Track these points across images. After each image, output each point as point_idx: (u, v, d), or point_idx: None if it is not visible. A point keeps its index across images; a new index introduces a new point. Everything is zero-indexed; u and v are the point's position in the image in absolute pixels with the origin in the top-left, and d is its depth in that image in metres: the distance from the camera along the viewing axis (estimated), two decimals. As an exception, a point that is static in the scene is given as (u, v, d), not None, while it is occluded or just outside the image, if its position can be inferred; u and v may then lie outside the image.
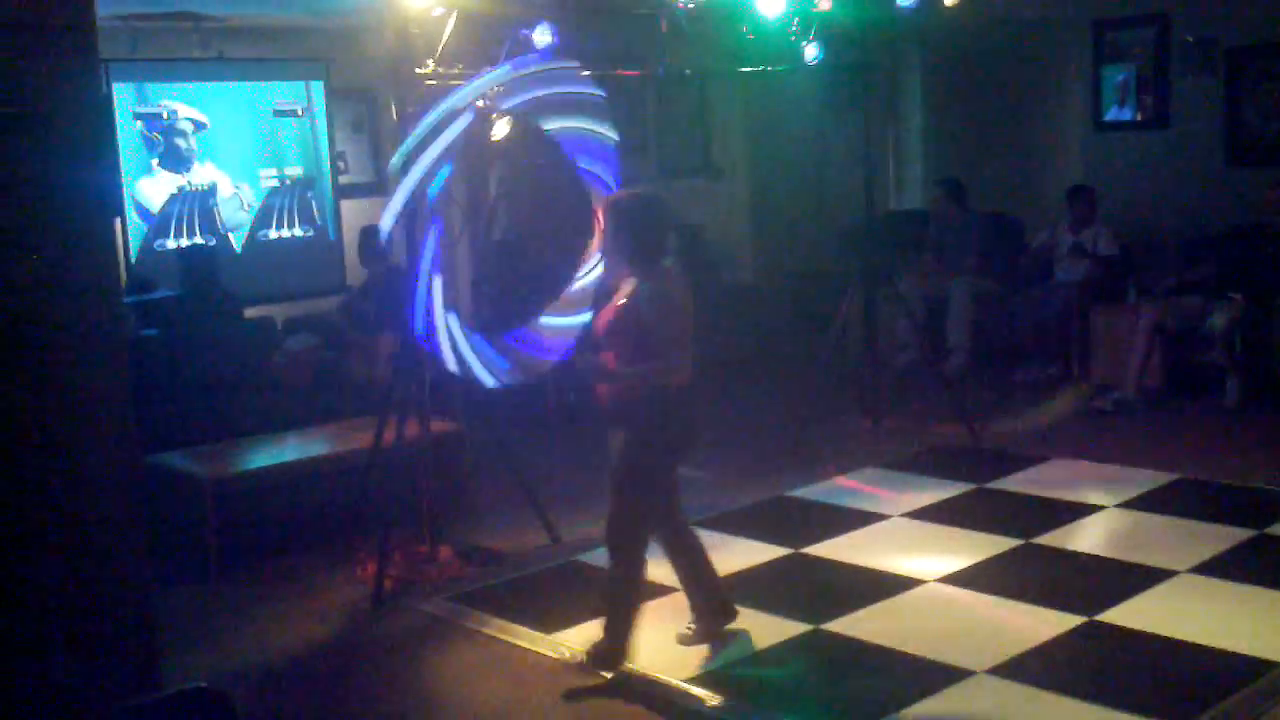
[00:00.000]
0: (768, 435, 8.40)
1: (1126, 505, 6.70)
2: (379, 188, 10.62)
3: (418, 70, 6.10)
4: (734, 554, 6.20)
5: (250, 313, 8.69)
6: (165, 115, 9.49)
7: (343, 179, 10.63)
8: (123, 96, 9.16)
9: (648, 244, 4.85)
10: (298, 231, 10.37)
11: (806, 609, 5.50)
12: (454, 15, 6.18)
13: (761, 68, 8.01)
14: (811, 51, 7.59)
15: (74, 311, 3.38)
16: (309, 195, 10.43)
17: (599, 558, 6.22)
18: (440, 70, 6.18)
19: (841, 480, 7.43)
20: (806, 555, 6.24)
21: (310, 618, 5.78)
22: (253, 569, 6.34)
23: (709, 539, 6.40)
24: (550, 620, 5.54)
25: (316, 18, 9.29)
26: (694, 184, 11.80)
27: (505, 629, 5.50)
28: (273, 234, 10.22)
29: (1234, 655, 4.85)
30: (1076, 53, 11.06)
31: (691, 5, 6.95)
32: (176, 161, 9.62)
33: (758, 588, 5.81)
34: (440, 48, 6.19)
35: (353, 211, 10.40)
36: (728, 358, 9.52)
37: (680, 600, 5.37)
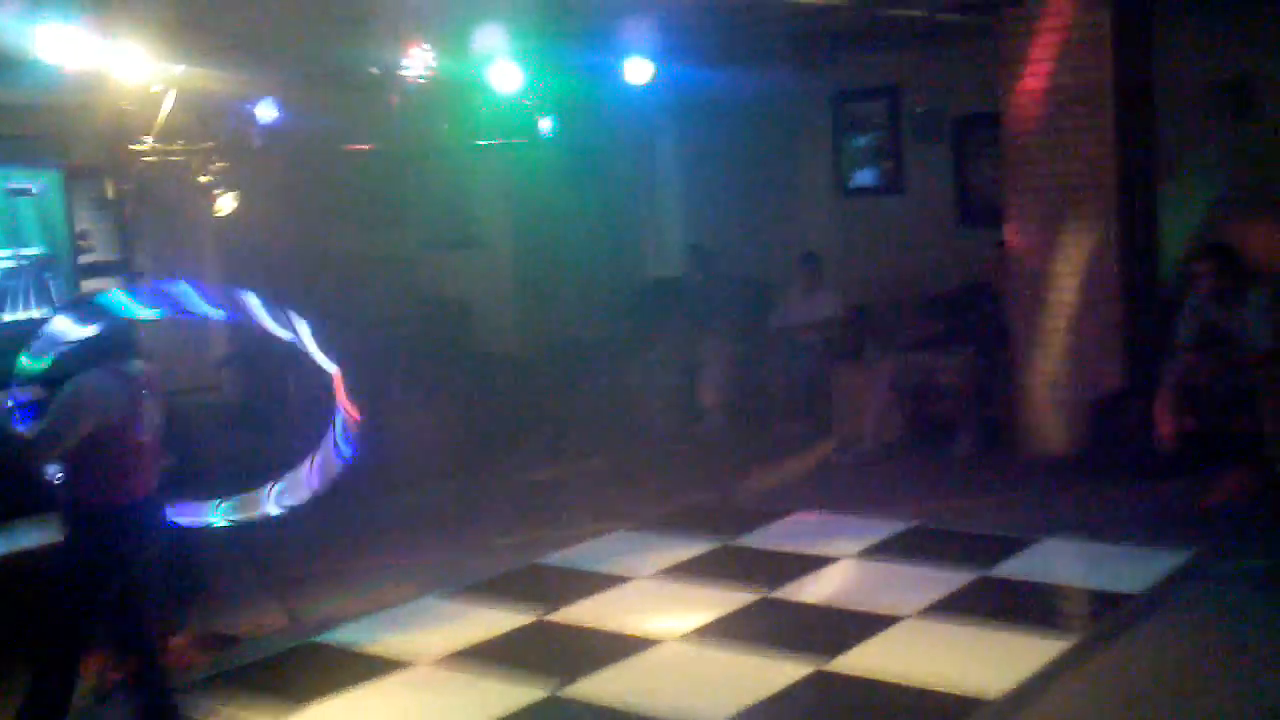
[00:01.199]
0: (525, 503, 8.42)
1: (862, 555, 6.94)
2: (125, 266, 10.31)
3: (132, 147, 5.99)
4: (477, 624, 6.19)
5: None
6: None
7: (85, 258, 10.28)
8: None
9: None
10: (34, 313, 9.96)
11: (545, 675, 5.50)
12: (171, 93, 6.11)
13: (496, 141, 8.13)
14: (547, 125, 7.74)
15: None
16: (45, 276, 10.05)
17: (339, 636, 6.15)
18: (159, 146, 6.09)
19: (592, 544, 7.49)
20: (551, 621, 6.25)
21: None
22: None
23: (455, 610, 6.43)
24: (288, 700, 5.41)
25: (42, 95, 9.00)
26: (455, 255, 11.80)
27: (238, 715, 5.34)
28: (6, 316, 9.80)
29: (948, 695, 5.05)
30: (821, 122, 11.52)
31: (422, 79, 7.01)
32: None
33: (497, 656, 5.80)
34: (158, 125, 6.10)
35: (99, 290, 10.05)
36: (492, 428, 9.54)
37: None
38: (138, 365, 4.71)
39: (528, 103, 7.65)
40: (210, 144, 6.00)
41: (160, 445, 4.77)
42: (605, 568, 7.01)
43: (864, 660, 5.48)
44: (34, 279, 10.01)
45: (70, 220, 10.11)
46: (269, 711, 5.35)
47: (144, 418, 4.59)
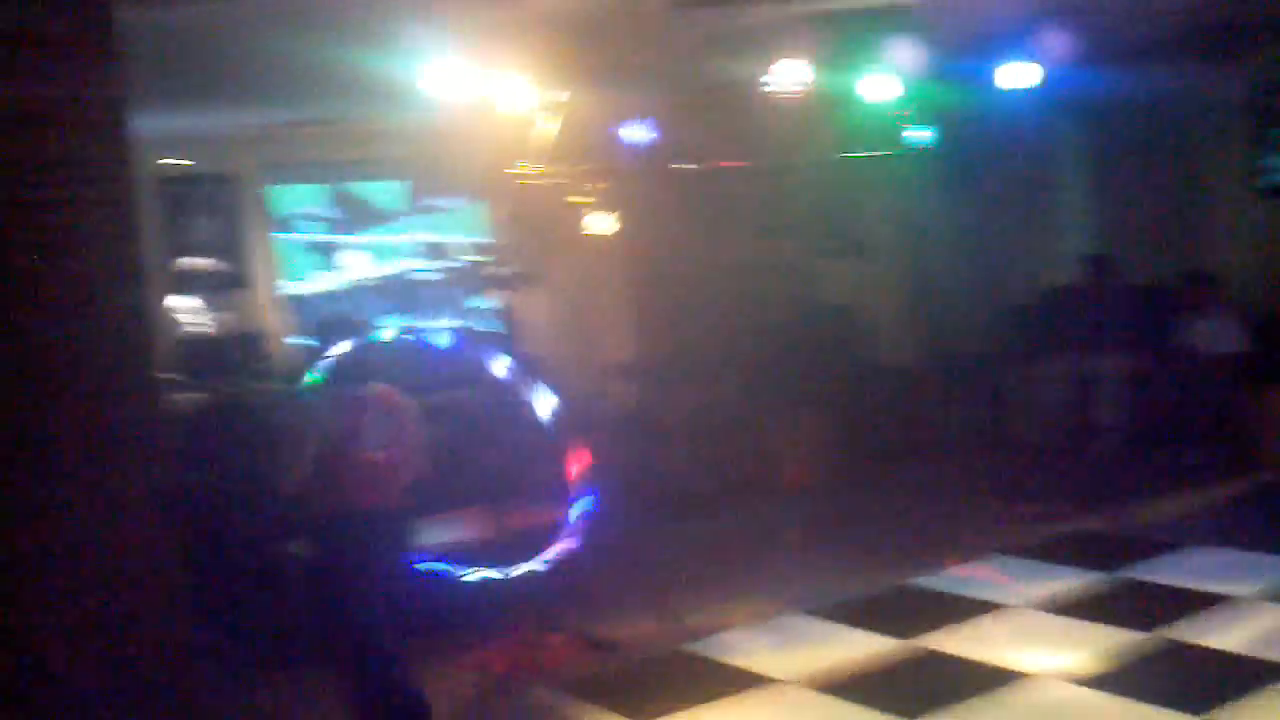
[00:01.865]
0: (901, 520, 8.26)
1: (1269, 597, 6.35)
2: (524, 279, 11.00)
3: (512, 170, 6.30)
4: (841, 645, 6.12)
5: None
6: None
7: (488, 272, 11.00)
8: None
9: None
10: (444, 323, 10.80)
11: (909, 704, 5.36)
12: (553, 117, 6.38)
13: (875, 153, 8.00)
14: (927, 134, 7.55)
15: (104, 342, 3.62)
16: (456, 288, 10.86)
17: (709, 647, 6.23)
18: (538, 170, 6.38)
19: (967, 568, 7.24)
20: (917, 647, 6.09)
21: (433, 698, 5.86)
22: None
23: (821, 630, 6.38)
24: (653, 708, 5.54)
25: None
26: (841, 264, 11.74)
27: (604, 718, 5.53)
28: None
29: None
30: (1234, 118, 10.66)
31: (795, 93, 7.00)
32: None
33: (861, 680, 5.71)
34: (539, 148, 6.38)
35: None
36: (877, 441, 9.42)
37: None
38: (373, 388, 5.07)
39: (906, 112, 7.48)
40: (588, 166, 6.22)
41: (406, 461, 5.09)
42: (978, 594, 6.76)
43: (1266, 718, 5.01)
44: (446, 291, 10.86)
45: (479, 237, 10.91)
46: (634, 717, 5.49)
47: (370, 436, 4.93)
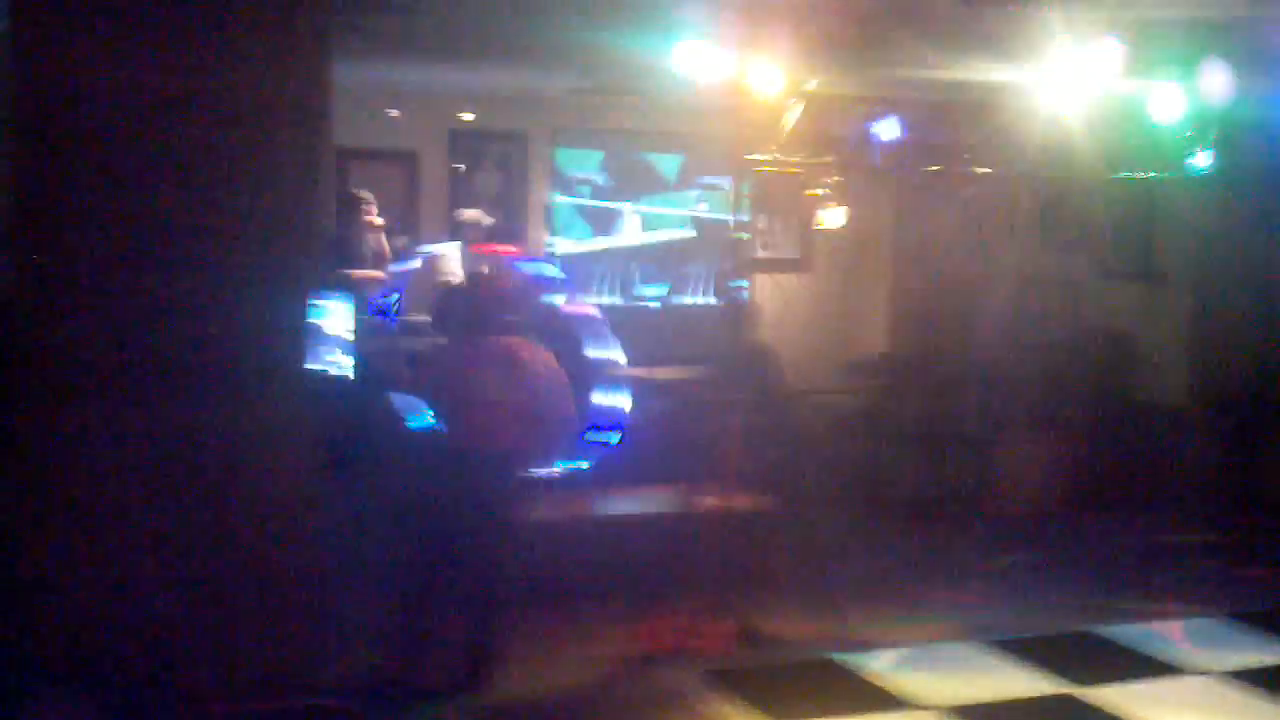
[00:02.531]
0: (1113, 565, 7.81)
1: None
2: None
3: (749, 156, 6.30)
4: (1001, 681, 5.91)
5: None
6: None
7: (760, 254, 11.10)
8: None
9: None
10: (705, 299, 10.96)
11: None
12: (798, 105, 6.34)
13: (1158, 173, 7.51)
14: (1204, 160, 7.06)
15: (258, 346, 3.88)
16: (718, 267, 10.96)
17: (865, 660, 6.12)
18: (779, 158, 6.35)
19: (1167, 625, 6.79)
20: (1077, 698, 5.78)
21: (579, 662, 6.09)
22: (547, 606, 6.70)
23: (986, 663, 6.15)
24: (781, 711, 5.50)
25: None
26: (1128, 287, 11.10)
27: (742, 714, 5.53)
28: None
29: None
30: None
31: (1072, 103, 6.68)
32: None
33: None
34: (782, 135, 6.35)
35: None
36: (1116, 480, 8.93)
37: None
38: (504, 340, 5.79)
39: (1199, 132, 7.01)
40: (829, 158, 6.16)
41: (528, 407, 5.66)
42: (1170, 654, 6.33)
43: None
44: (710, 270, 10.99)
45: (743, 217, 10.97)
46: (765, 716, 5.48)
47: (496, 384, 5.59)
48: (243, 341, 3.90)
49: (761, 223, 11.36)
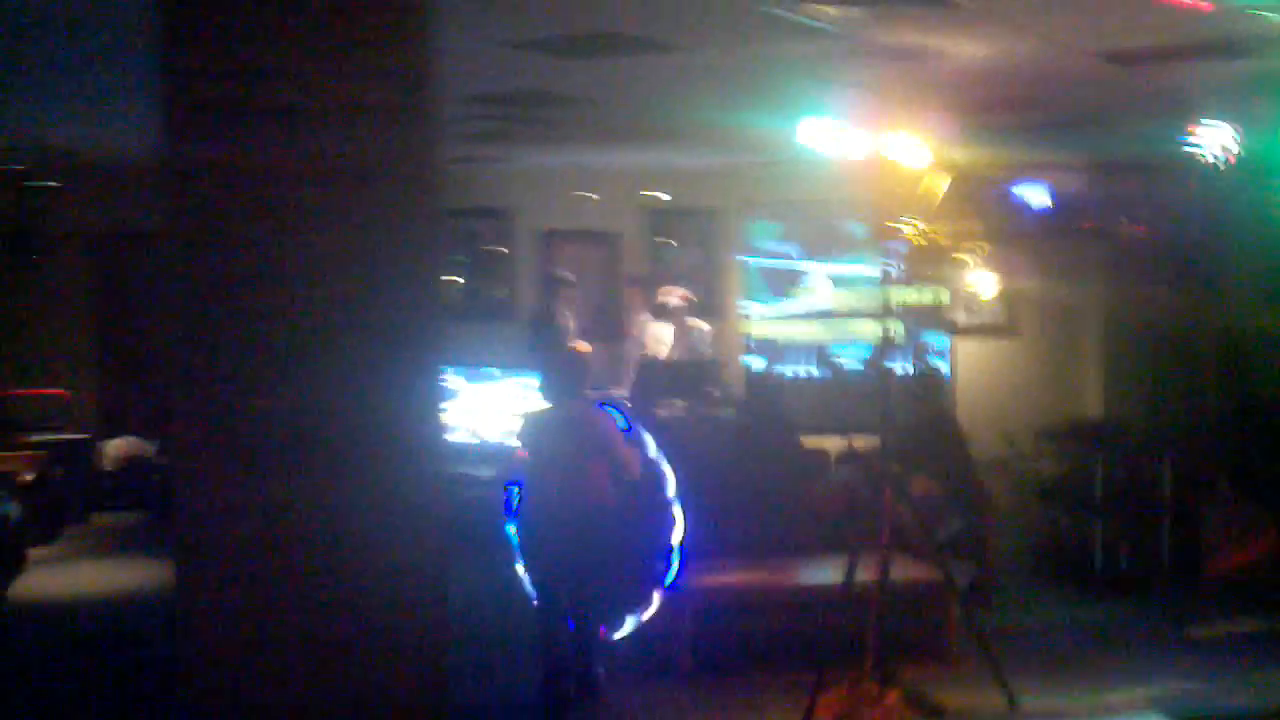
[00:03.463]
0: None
1: None
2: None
3: (890, 223, 6.35)
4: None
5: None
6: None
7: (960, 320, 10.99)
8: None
9: None
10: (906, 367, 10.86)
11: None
12: (942, 173, 6.37)
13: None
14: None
15: (386, 345, 4.12)
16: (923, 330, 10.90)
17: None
18: (924, 229, 6.39)
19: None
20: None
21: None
22: (710, 671, 6.79)
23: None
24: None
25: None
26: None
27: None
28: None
29: None
30: None
31: (1229, 158, 6.48)
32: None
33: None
34: (925, 203, 6.39)
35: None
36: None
37: None
38: (580, 405, 6.26)
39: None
40: (975, 224, 6.14)
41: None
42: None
43: None
44: (905, 328, 10.94)
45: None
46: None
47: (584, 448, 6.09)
48: (376, 417, 4.15)
49: (962, 288, 11.27)
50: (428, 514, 4.29)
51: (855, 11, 5.84)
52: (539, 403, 6.68)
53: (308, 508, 4.17)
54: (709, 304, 11.47)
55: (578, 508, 6.25)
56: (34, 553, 8.59)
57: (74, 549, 9.25)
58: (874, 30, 6.20)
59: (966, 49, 6.46)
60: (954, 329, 10.68)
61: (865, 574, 6.59)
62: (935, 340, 10.77)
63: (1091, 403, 10.96)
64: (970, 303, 11.15)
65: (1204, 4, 5.61)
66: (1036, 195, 6.35)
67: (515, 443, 6.79)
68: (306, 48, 4.04)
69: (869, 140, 6.31)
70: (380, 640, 4.20)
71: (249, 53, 4.00)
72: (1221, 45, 6.16)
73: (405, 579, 4.24)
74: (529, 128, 8.92)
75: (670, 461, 7.28)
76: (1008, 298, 10.99)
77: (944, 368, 10.74)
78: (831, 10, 5.90)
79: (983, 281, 7.50)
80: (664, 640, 6.95)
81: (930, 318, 10.67)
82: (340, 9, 4.05)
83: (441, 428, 4.50)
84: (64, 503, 9.05)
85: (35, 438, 9.29)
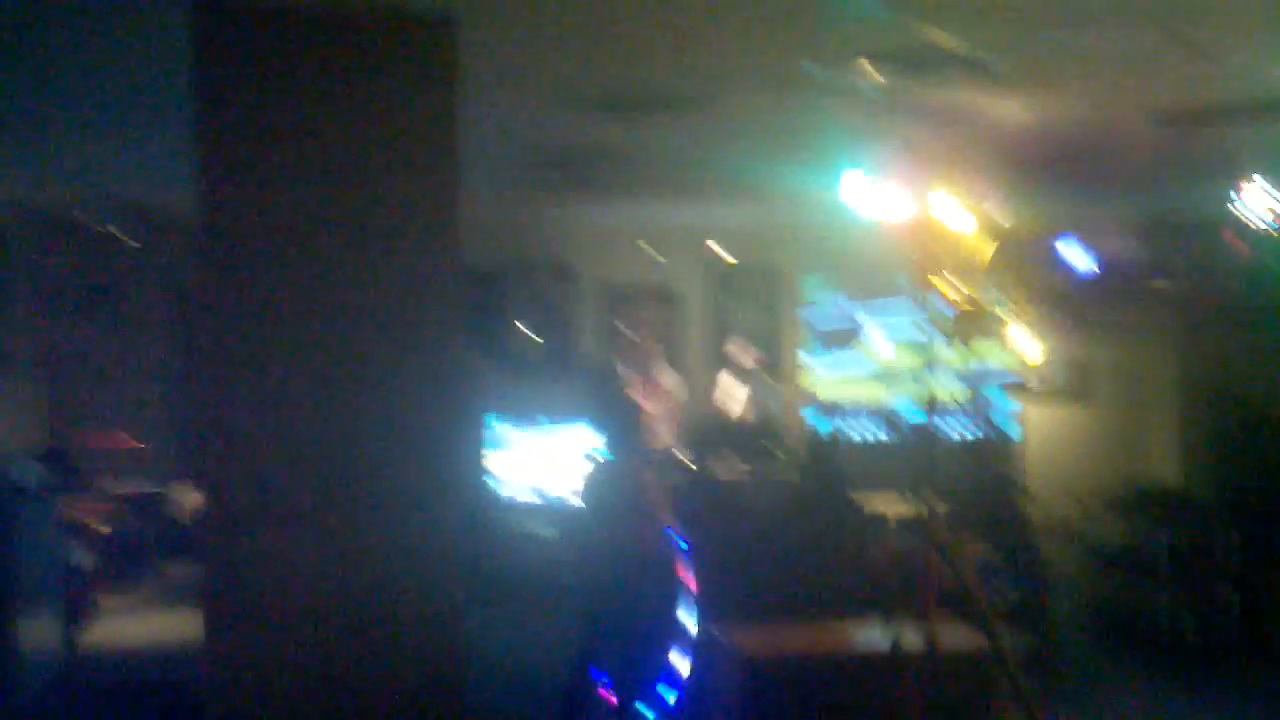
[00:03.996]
0: None
1: None
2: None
3: (934, 279, 6.33)
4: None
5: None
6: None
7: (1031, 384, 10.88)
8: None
9: None
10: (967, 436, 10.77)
11: None
12: (989, 233, 6.35)
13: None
14: None
15: (410, 399, 4.23)
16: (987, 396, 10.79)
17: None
18: (972, 290, 6.36)
19: None
20: None
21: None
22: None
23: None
24: None
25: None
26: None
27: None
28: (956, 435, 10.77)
29: None
30: None
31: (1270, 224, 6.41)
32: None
33: None
34: (969, 262, 6.37)
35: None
36: None
37: None
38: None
39: None
40: (1020, 287, 6.12)
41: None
42: None
43: None
44: (969, 386, 10.84)
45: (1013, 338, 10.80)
46: None
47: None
48: (399, 470, 4.25)
49: (1032, 350, 11.15)
50: (449, 566, 4.38)
51: (900, 72, 5.90)
52: (598, 455, 6.74)
53: (330, 557, 4.28)
54: (771, 361, 11.50)
55: (618, 562, 6.28)
56: (107, 602, 8.80)
57: (146, 599, 9.46)
58: (922, 90, 6.24)
59: (1013, 110, 6.48)
60: (1021, 391, 10.54)
61: (914, 640, 6.53)
62: (1002, 402, 10.65)
63: (1162, 468, 10.72)
64: (1041, 365, 11.02)
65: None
66: (1089, 256, 6.30)
67: (574, 497, 6.85)
68: (333, 107, 4.19)
69: (914, 199, 6.32)
70: (398, 686, 4.27)
71: (277, 113, 4.16)
72: (1268, 106, 6.11)
73: (425, 629, 4.32)
74: (585, 183, 9.08)
75: (720, 518, 7.28)
76: (1079, 361, 10.85)
77: (1009, 430, 10.61)
78: (876, 71, 5.95)
79: (1048, 344, 7.42)
80: (707, 702, 6.92)
81: (997, 379, 10.55)
82: (366, 70, 4.20)
83: (466, 481, 4.57)
84: (138, 553, 9.28)
85: (112, 489, 9.55)
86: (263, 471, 4.19)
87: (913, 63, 5.79)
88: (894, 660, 6.38)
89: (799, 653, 7.13)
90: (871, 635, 7.14)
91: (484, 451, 10.20)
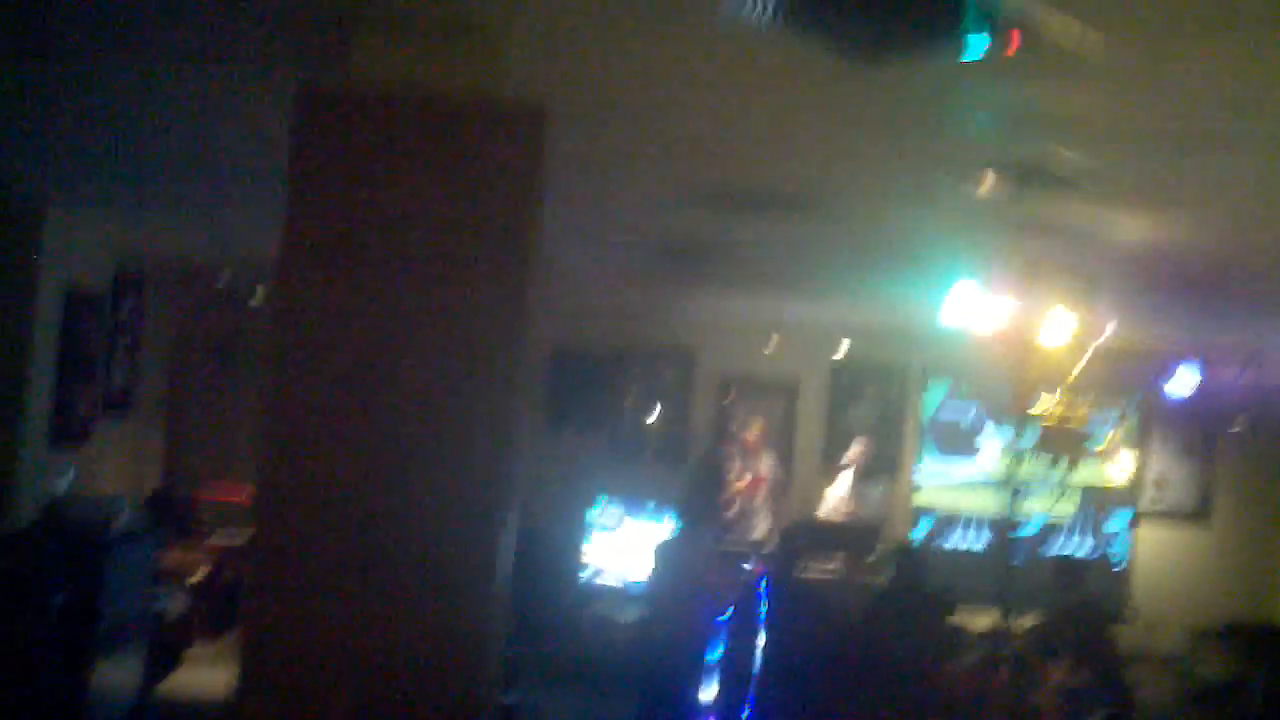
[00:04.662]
0: None
1: None
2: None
3: (1031, 408, 6.19)
4: None
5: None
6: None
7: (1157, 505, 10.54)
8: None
9: None
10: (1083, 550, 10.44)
11: None
12: (1088, 350, 6.20)
13: None
14: None
15: (459, 482, 4.21)
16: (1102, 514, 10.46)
17: None
18: (1061, 405, 6.21)
19: None
20: None
21: None
22: None
23: None
24: None
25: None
26: None
27: None
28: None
29: None
30: None
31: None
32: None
33: None
34: (1068, 382, 6.22)
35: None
36: None
37: None
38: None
39: None
40: (1120, 408, 5.92)
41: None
42: None
43: None
44: (1084, 509, 10.50)
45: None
46: None
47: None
48: (440, 550, 4.22)
49: (1157, 468, 10.80)
50: (485, 648, 4.33)
51: (1024, 185, 5.79)
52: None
53: (366, 631, 4.26)
54: (884, 463, 11.31)
55: (673, 630, 6.22)
56: (197, 650, 8.96)
57: (231, 650, 9.60)
58: (1035, 205, 6.13)
59: (1130, 225, 6.32)
60: (1135, 512, 10.19)
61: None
62: (1114, 522, 10.31)
63: (1273, 599, 10.26)
64: (1158, 485, 10.66)
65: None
66: (1185, 381, 6.08)
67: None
68: (417, 193, 4.24)
69: (1025, 314, 6.20)
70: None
71: (365, 197, 4.23)
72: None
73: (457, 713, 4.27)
74: (701, 276, 9.11)
75: (804, 620, 7.16)
76: (1199, 482, 10.47)
77: (1119, 551, 10.24)
78: (996, 183, 5.86)
79: (1164, 466, 7.17)
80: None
81: (1111, 498, 10.22)
82: (452, 158, 4.25)
83: (508, 567, 4.50)
84: (227, 604, 9.46)
85: (214, 541, 9.76)
86: (299, 542, 4.21)
87: (1038, 177, 5.68)
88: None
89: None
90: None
91: (583, 538, 10.23)
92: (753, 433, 10.93)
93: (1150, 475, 10.81)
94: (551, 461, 10.73)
